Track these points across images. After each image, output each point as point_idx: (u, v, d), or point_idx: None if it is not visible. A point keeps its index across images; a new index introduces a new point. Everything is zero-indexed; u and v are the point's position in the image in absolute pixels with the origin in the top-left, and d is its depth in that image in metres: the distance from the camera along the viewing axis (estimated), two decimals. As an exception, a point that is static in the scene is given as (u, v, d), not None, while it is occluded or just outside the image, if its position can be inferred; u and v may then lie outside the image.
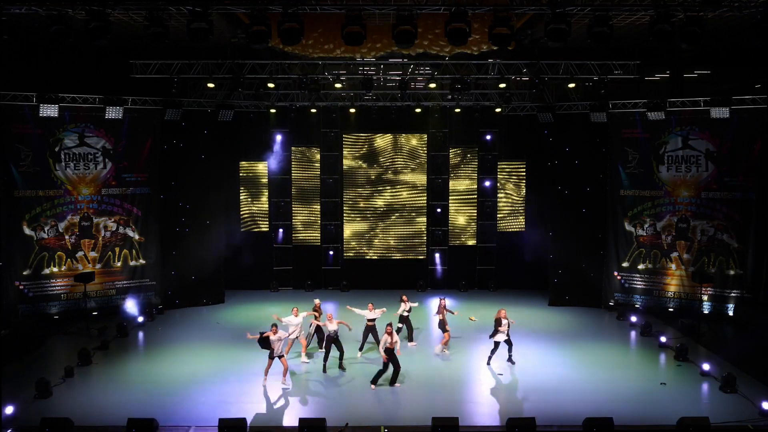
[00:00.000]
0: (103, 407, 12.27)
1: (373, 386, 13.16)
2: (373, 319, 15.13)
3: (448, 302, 16.16)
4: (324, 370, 14.15)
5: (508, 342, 14.51)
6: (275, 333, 13.15)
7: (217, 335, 17.27)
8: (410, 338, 16.16)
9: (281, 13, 10.87)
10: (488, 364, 14.57)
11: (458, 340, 16.21)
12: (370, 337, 15.31)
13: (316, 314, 15.24)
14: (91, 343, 15.81)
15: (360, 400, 12.80)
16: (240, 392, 13.07)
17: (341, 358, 14.32)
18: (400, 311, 16.00)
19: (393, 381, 13.23)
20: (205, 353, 15.68)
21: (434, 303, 17.09)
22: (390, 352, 13.03)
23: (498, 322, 14.29)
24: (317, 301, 15.88)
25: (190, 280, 20.18)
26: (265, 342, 13.11)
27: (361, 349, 15.34)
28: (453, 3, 11.17)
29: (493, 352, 14.52)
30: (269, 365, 13.29)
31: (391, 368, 13.17)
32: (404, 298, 16.16)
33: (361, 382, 13.71)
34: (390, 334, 13.02)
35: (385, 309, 15.43)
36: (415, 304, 16.40)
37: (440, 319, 15.66)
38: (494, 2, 11.58)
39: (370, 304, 15.33)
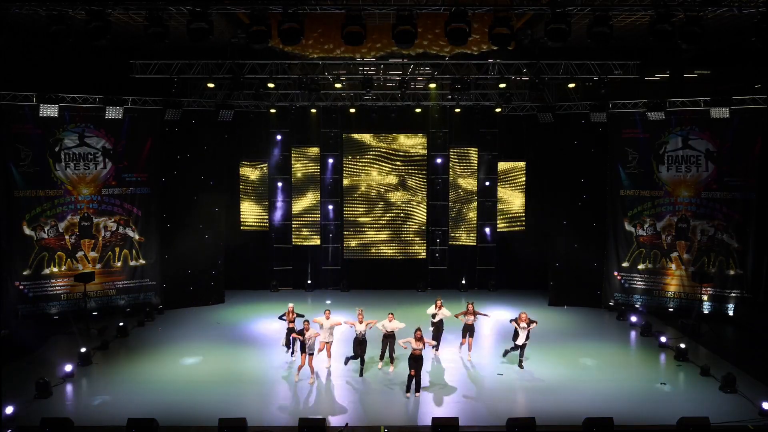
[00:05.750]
0: (103, 407, 12.27)
1: (417, 394, 12.89)
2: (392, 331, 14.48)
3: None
4: (360, 374, 14.03)
5: (522, 346, 14.40)
6: (307, 330, 13.34)
7: (217, 335, 17.28)
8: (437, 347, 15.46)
9: (281, 13, 10.88)
10: (520, 366, 14.48)
11: (458, 340, 16.19)
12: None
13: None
14: (91, 343, 15.82)
15: (360, 400, 12.80)
16: (240, 392, 13.07)
17: (362, 363, 14.10)
18: (430, 313, 15.41)
19: (417, 388, 12.95)
20: (205, 353, 15.68)
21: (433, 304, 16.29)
22: (416, 357, 12.77)
23: (516, 322, 14.30)
24: (291, 305, 15.18)
25: (190, 280, 20.18)
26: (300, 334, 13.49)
27: (381, 358, 14.68)
28: (453, 3, 11.17)
29: (520, 354, 14.48)
30: (304, 361, 13.47)
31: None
32: (438, 302, 15.44)
33: (361, 382, 13.73)
34: (419, 339, 12.74)
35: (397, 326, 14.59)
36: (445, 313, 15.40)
37: (467, 324, 15.11)
38: (494, 2, 11.57)
39: (390, 314, 14.64)
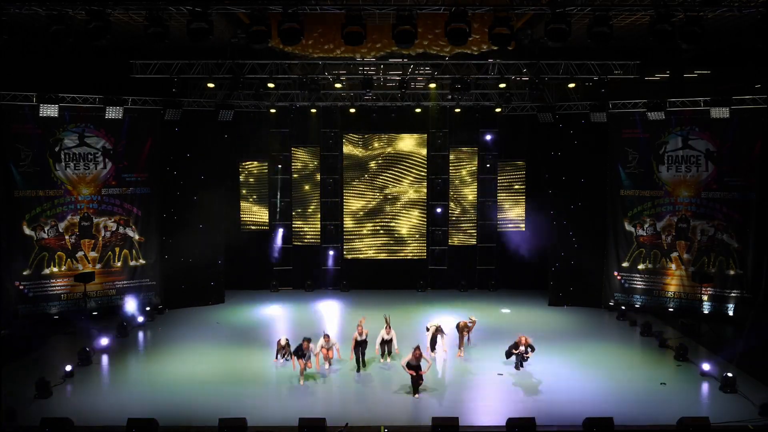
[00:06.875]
0: (103, 407, 12.28)
1: (417, 395, 12.84)
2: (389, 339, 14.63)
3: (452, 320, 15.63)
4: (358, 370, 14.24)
5: (523, 357, 14.30)
6: (307, 346, 13.43)
7: (217, 335, 17.28)
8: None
9: (281, 13, 10.86)
10: (517, 369, 14.35)
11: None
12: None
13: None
14: (91, 343, 15.81)
15: (360, 400, 12.82)
16: (240, 392, 13.07)
17: (363, 362, 14.29)
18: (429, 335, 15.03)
19: (415, 390, 12.94)
20: (205, 353, 15.68)
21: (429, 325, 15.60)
22: (413, 367, 12.73)
23: (514, 347, 14.18)
24: (281, 339, 14.98)
25: (190, 280, 20.14)
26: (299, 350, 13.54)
27: (382, 355, 14.74)
28: (453, 3, 11.16)
29: (517, 359, 14.33)
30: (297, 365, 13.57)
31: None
32: (429, 327, 15.02)
33: (362, 382, 13.75)
34: (418, 358, 12.70)
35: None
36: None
37: (461, 325, 15.45)
38: (494, 2, 11.56)
39: (385, 316, 14.74)
